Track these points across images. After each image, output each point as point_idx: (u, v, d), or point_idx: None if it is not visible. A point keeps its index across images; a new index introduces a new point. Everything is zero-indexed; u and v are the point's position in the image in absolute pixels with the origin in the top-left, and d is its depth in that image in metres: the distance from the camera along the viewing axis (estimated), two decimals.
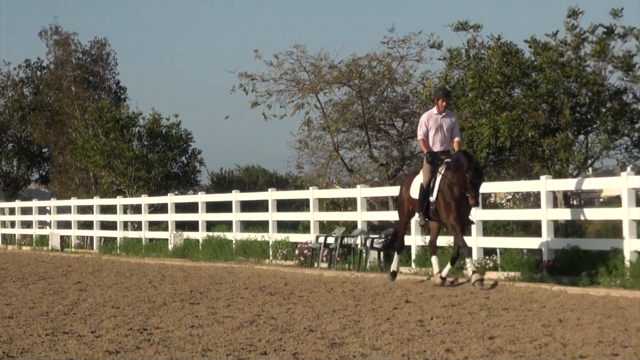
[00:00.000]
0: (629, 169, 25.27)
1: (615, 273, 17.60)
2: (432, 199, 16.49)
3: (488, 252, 21.81)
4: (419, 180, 16.87)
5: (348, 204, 31.67)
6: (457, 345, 10.16)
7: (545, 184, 19.49)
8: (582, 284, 17.24)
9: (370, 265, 22.92)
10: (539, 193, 20.90)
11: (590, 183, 22.50)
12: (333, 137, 32.19)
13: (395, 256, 17.49)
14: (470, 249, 16.43)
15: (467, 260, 16.14)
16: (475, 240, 20.35)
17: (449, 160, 16.17)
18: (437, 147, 15.99)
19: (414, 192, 16.85)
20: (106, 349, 9.58)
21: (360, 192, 24.09)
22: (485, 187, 21.43)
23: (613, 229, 23.35)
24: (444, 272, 16.16)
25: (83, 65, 48.30)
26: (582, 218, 22.02)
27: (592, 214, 23.52)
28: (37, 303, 14.42)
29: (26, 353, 9.29)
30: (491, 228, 23.44)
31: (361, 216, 23.64)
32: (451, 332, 11.21)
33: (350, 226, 25.23)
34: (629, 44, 25.31)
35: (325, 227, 26.58)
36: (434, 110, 16.37)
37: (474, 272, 15.80)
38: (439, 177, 16.41)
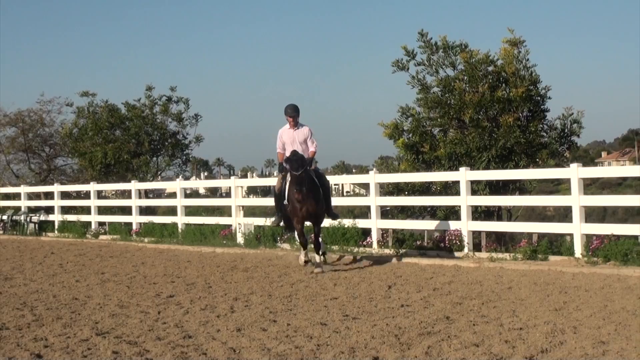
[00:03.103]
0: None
1: None
2: (286, 202, 17.67)
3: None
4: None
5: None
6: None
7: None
8: None
9: (30, 232, 33.77)
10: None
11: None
12: (6, 156, 48.47)
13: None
14: (318, 245, 18.07)
15: (315, 254, 17.68)
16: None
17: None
18: (307, 154, 16.21)
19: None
20: None
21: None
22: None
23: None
24: (304, 257, 18.05)
25: None
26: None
27: None
28: None
29: None
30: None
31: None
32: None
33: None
34: (180, 106, 44.38)
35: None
36: (287, 125, 17.17)
37: (315, 263, 17.65)
38: (287, 184, 17.24)
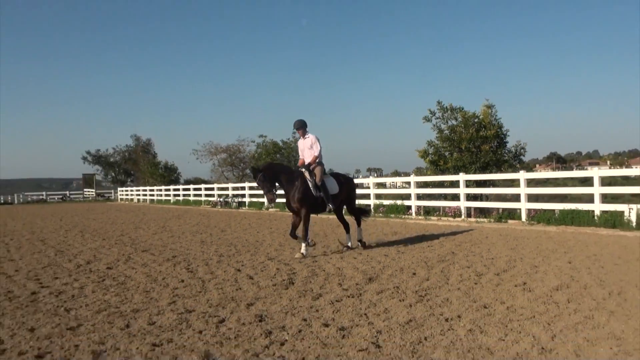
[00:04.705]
0: None
1: None
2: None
3: None
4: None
5: None
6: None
7: None
8: None
9: (234, 207, 38.08)
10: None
11: None
12: (221, 168, 54.91)
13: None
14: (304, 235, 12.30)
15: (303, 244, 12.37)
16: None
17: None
18: (307, 161, 12.75)
19: None
20: None
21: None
22: None
23: None
24: (303, 250, 12.31)
25: None
26: None
27: None
28: None
29: None
30: None
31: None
32: None
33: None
34: None
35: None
36: (301, 138, 13.10)
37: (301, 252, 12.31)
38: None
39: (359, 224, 13.99)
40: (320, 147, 13.03)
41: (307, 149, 13.08)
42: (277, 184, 12.55)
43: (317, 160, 12.92)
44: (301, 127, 13.11)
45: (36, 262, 12.71)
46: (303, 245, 12.49)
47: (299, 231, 13.10)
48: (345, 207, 13.94)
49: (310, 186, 12.63)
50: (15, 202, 74.64)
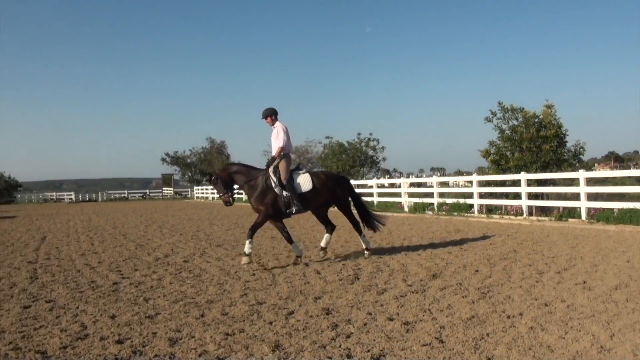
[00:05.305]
0: None
1: None
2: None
3: None
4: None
5: None
6: None
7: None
8: None
9: None
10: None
11: None
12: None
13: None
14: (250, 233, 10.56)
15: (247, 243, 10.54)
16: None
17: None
18: (274, 152, 10.97)
19: None
20: None
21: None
22: None
23: None
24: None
25: None
26: None
27: None
28: None
29: None
30: None
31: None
32: None
33: None
34: (374, 142, 43.79)
35: None
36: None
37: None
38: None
39: (359, 232, 11.79)
40: (286, 138, 11.10)
41: (273, 140, 11.16)
42: (235, 186, 11.06)
43: (281, 153, 11.02)
44: (268, 115, 11.21)
45: (118, 255, 13.00)
46: (247, 242, 10.70)
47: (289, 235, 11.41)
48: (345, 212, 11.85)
49: (273, 185, 10.89)
50: (99, 199, 76.23)
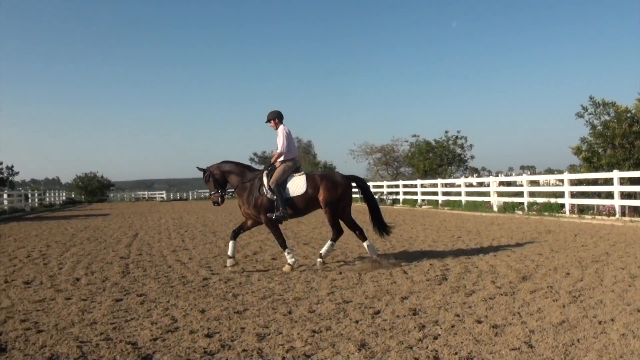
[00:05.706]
0: None
1: None
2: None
3: None
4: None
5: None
6: None
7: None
8: None
9: (388, 204, 37.16)
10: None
11: None
12: (377, 167, 54.21)
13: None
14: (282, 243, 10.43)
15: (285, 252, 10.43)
16: None
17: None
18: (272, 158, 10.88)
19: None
20: None
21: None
22: None
23: None
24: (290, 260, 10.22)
25: None
26: None
27: None
28: None
29: None
30: None
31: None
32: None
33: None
34: (462, 140, 42.76)
35: None
36: None
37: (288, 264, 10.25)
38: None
39: (364, 238, 10.92)
40: (287, 143, 10.71)
41: (278, 144, 10.85)
42: (227, 185, 10.91)
43: (280, 158, 10.69)
44: (272, 118, 10.85)
45: (207, 252, 13.28)
46: (286, 254, 10.43)
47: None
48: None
49: (265, 189, 10.49)
50: (190, 198, 78.31)
